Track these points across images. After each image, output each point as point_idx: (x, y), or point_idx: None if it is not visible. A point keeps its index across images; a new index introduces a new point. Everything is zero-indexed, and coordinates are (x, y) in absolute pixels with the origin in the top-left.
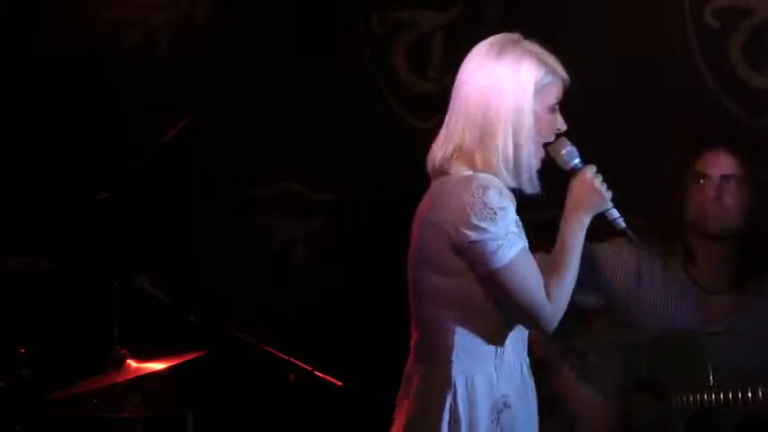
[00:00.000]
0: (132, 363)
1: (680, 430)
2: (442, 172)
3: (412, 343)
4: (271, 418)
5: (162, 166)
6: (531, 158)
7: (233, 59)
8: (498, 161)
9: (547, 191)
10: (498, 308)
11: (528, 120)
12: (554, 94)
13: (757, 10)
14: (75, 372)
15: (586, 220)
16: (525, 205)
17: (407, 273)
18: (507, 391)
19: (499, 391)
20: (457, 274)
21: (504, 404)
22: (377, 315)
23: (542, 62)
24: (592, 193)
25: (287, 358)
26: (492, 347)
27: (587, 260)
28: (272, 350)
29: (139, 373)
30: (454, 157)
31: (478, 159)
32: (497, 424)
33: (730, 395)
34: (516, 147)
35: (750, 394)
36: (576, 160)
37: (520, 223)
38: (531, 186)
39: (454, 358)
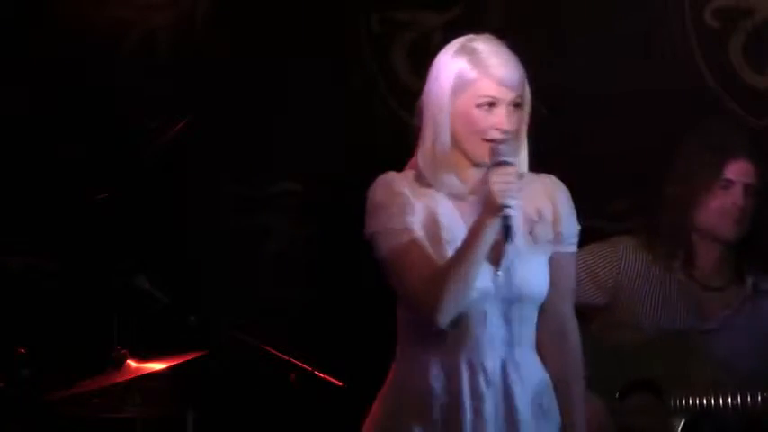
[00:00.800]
0: (132, 363)
1: (678, 430)
2: None
3: None
4: (271, 418)
5: (162, 165)
6: (446, 155)
7: (233, 59)
8: (420, 158)
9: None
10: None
11: (445, 118)
12: (483, 91)
13: (757, 10)
14: (75, 372)
15: (488, 222)
16: None
17: None
18: (427, 387)
19: (426, 384)
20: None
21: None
22: (377, 315)
23: (473, 60)
24: (490, 195)
25: (287, 358)
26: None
27: (586, 260)
28: (272, 350)
29: (139, 373)
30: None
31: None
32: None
33: (729, 396)
34: (434, 144)
35: (749, 396)
36: (501, 158)
37: (437, 217)
38: (451, 187)
39: (398, 352)
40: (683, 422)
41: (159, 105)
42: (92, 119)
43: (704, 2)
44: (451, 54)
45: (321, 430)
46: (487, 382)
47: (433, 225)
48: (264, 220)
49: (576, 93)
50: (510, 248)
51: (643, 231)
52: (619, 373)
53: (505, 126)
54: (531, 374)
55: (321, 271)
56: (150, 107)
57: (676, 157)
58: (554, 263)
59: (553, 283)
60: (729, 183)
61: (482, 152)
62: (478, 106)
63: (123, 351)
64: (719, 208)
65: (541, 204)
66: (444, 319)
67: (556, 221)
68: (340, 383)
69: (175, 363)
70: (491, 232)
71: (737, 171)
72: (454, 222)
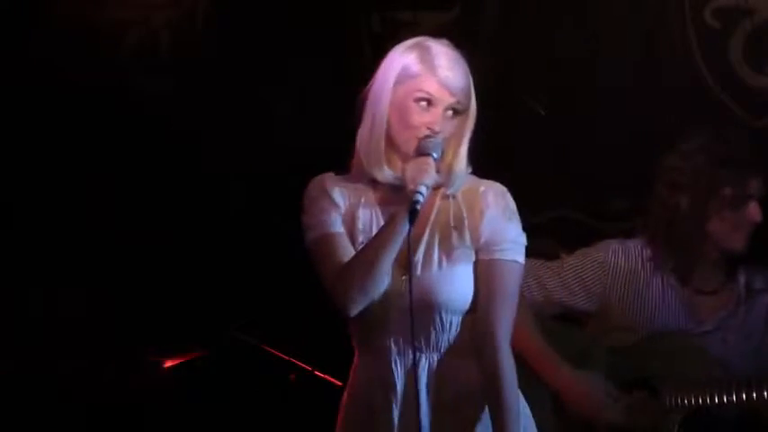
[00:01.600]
0: None
1: (674, 428)
2: None
3: None
4: (271, 418)
5: (162, 165)
6: (380, 143)
7: (233, 59)
8: (357, 144)
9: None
10: None
11: (384, 107)
12: (423, 86)
13: (757, 10)
14: None
15: (400, 213)
16: (526, 206)
17: None
18: (360, 392)
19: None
20: None
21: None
22: None
23: (422, 56)
24: (404, 183)
25: (287, 358)
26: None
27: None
28: (272, 350)
29: None
30: None
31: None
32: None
33: (725, 394)
34: (370, 131)
35: (744, 395)
36: (423, 151)
37: (357, 212)
38: (382, 176)
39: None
40: (679, 420)
41: (160, 105)
42: (91, 119)
43: (704, 2)
44: (403, 49)
45: (321, 430)
46: (394, 391)
47: (351, 222)
48: (265, 220)
49: (575, 92)
50: (421, 254)
51: (642, 236)
52: (615, 372)
53: (437, 128)
54: (450, 382)
55: None
56: (151, 107)
57: (685, 166)
58: (478, 269)
59: (477, 289)
60: (749, 198)
61: (412, 148)
62: (416, 101)
63: None
64: (735, 222)
65: (465, 210)
66: (351, 306)
67: (478, 227)
68: (340, 383)
69: (175, 363)
70: (402, 223)
71: (756, 187)
72: (374, 217)
